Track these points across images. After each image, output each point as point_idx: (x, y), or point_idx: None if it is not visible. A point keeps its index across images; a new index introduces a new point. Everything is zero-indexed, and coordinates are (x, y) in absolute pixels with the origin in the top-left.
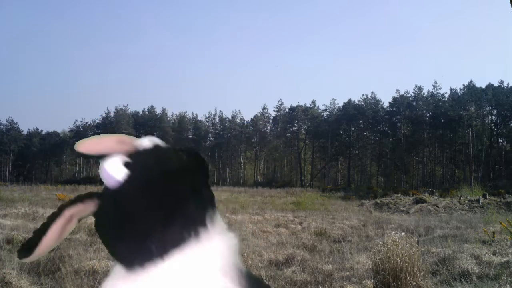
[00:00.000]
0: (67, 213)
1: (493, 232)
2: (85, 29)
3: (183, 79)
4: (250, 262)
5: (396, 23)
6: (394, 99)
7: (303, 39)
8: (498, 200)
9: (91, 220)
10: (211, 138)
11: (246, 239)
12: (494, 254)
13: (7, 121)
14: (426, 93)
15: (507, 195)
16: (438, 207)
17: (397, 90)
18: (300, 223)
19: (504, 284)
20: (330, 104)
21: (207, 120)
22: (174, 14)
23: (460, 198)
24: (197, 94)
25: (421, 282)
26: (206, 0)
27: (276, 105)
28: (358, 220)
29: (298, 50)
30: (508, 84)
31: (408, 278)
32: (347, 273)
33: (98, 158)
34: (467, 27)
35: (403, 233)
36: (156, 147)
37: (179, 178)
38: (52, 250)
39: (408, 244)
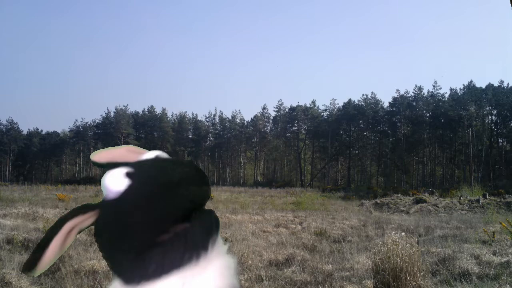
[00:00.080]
0: (67, 226)
1: (493, 232)
2: (85, 29)
3: (183, 79)
4: (250, 262)
5: (396, 23)
6: (394, 99)
7: (303, 39)
8: (498, 200)
9: None
10: (211, 138)
11: (246, 239)
12: (494, 254)
13: (7, 121)
14: (426, 93)
15: (507, 195)
16: (438, 207)
17: (397, 90)
18: (300, 223)
19: (504, 284)
20: (330, 104)
21: (207, 120)
22: (174, 14)
23: (460, 198)
24: (197, 94)
25: (421, 282)
26: (206, 0)
27: (276, 105)
28: (358, 220)
29: (298, 50)
30: (508, 84)
31: (408, 278)
32: (347, 273)
33: (110, 167)
34: (467, 27)
35: (403, 233)
36: (158, 159)
37: (181, 190)
38: None
39: (408, 244)
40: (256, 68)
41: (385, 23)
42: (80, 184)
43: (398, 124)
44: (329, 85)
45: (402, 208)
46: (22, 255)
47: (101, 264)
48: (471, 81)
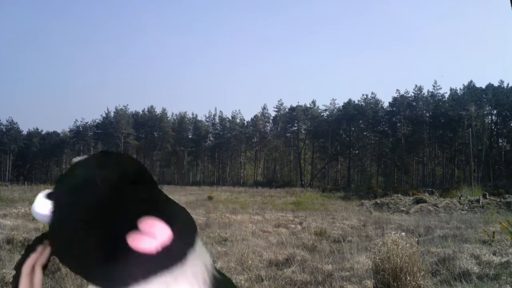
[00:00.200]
0: (25, 269)
1: (493, 232)
2: (85, 29)
3: (183, 79)
4: (250, 262)
5: (396, 23)
6: (394, 99)
7: (303, 39)
8: (498, 200)
9: None
10: (211, 138)
11: (246, 239)
12: (494, 254)
13: (7, 121)
14: (426, 93)
15: (507, 195)
16: (438, 207)
17: (397, 90)
18: (300, 223)
19: (504, 284)
20: (330, 104)
21: (207, 120)
22: (174, 14)
23: (460, 198)
24: (197, 94)
25: (421, 282)
26: (206, 0)
27: (276, 105)
28: (358, 220)
29: (298, 50)
30: (508, 84)
31: (408, 278)
32: (347, 273)
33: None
34: (467, 27)
35: (403, 233)
36: (76, 164)
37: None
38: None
39: (408, 244)
40: (256, 68)
41: (385, 23)
42: None
43: (398, 124)
44: (329, 85)
45: (402, 208)
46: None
47: None
48: (471, 81)
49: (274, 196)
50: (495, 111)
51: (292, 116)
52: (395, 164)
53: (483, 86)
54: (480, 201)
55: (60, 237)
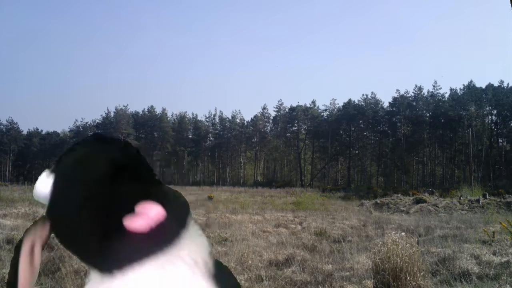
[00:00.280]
0: (25, 249)
1: (493, 232)
2: (85, 29)
3: (183, 79)
4: (250, 262)
5: (396, 23)
6: (394, 99)
7: (303, 39)
8: (498, 200)
9: None
10: (211, 138)
11: (246, 239)
12: (494, 254)
13: (7, 121)
14: (426, 93)
15: (507, 195)
16: (438, 207)
17: (397, 90)
18: (300, 223)
19: (504, 284)
20: (330, 104)
21: (207, 120)
22: (174, 14)
23: (460, 198)
24: (197, 94)
25: (421, 282)
26: (206, 0)
27: (276, 105)
28: (358, 220)
29: (298, 50)
30: (508, 84)
31: (408, 278)
32: (347, 273)
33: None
34: (467, 27)
35: (403, 233)
36: (75, 145)
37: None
38: (52, 249)
39: (408, 244)
40: (256, 68)
41: (385, 23)
42: None
43: (398, 124)
44: (329, 85)
45: (402, 208)
46: None
47: None
48: (471, 81)
49: (274, 196)
50: (495, 111)
51: (292, 116)
52: (395, 164)
53: (483, 86)
54: (480, 201)
55: (58, 213)
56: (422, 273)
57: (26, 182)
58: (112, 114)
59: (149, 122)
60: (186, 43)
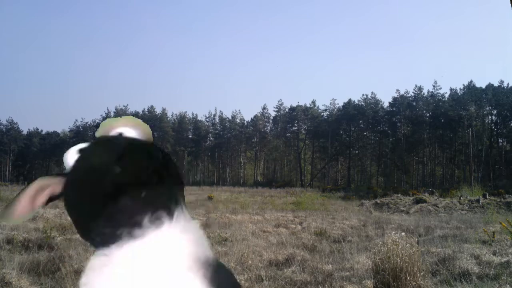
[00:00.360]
0: (39, 182)
1: (493, 232)
2: (85, 29)
3: (183, 79)
4: (250, 262)
5: (396, 23)
6: (394, 99)
7: (303, 39)
8: (498, 200)
9: None
10: (211, 138)
11: (246, 239)
12: (494, 254)
13: (7, 121)
14: (426, 93)
15: (507, 195)
16: (438, 207)
17: (397, 90)
18: (300, 223)
19: (504, 284)
20: (330, 104)
21: (207, 120)
22: (174, 14)
23: (460, 198)
24: (197, 94)
25: (421, 282)
26: (206, 0)
27: (276, 105)
28: (358, 220)
29: (298, 50)
30: (508, 84)
31: (408, 278)
32: (347, 273)
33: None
34: (467, 27)
35: (403, 233)
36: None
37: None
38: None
39: (408, 244)
40: (256, 68)
41: (385, 23)
42: None
43: (398, 124)
44: (329, 85)
45: (402, 208)
46: (22, 255)
47: None
48: (471, 81)
49: (274, 196)
50: (495, 111)
51: (292, 116)
52: (395, 164)
53: (483, 86)
54: (480, 201)
55: (74, 179)
56: (422, 273)
57: (26, 182)
58: (112, 114)
59: (149, 122)
60: (186, 43)
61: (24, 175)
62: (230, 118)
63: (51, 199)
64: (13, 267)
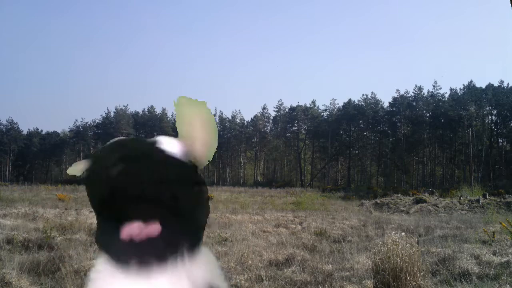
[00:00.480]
0: None
1: (493, 232)
2: (85, 29)
3: (183, 79)
4: (250, 262)
5: (396, 23)
6: (394, 99)
7: (303, 39)
8: (498, 200)
9: (91, 220)
10: None
11: (246, 239)
12: (494, 254)
13: (7, 121)
14: (426, 93)
15: (507, 195)
16: (438, 207)
17: (397, 90)
18: (300, 223)
19: (504, 284)
20: (330, 104)
21: None
22: (174, 14)
23: (460, 198)
24: (197, 94)
25: (421, 282)
26: (206, 0)
27: (276, 105)
28: (358, 220)
29: (298, 50)
30: (508, 84)
31: (408, 278)
32: (347, 273)
33: None
34: (467, 27)
35: (403, 233)
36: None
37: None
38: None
39: (408, 244)
40: (256, 68)
41: (385, 23)
42: (80, 184)
43: (398, 124)
44: (329, 85)
45: (402, 208)
46: (22, 255)
47: None
48: (471, 81)
49: (274, 196)
50: (495, 111)
51: (292, 116)
52: (395, 164)
53: (483, 86)
54: (480, 201)
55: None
56: (422, 273)
57: (26, 182)
58: (112, 114)
59: (149, 122)
60: (186, 43)
61: (24, 175)
62: (230, 118)
63: None
64: (13, 267)
